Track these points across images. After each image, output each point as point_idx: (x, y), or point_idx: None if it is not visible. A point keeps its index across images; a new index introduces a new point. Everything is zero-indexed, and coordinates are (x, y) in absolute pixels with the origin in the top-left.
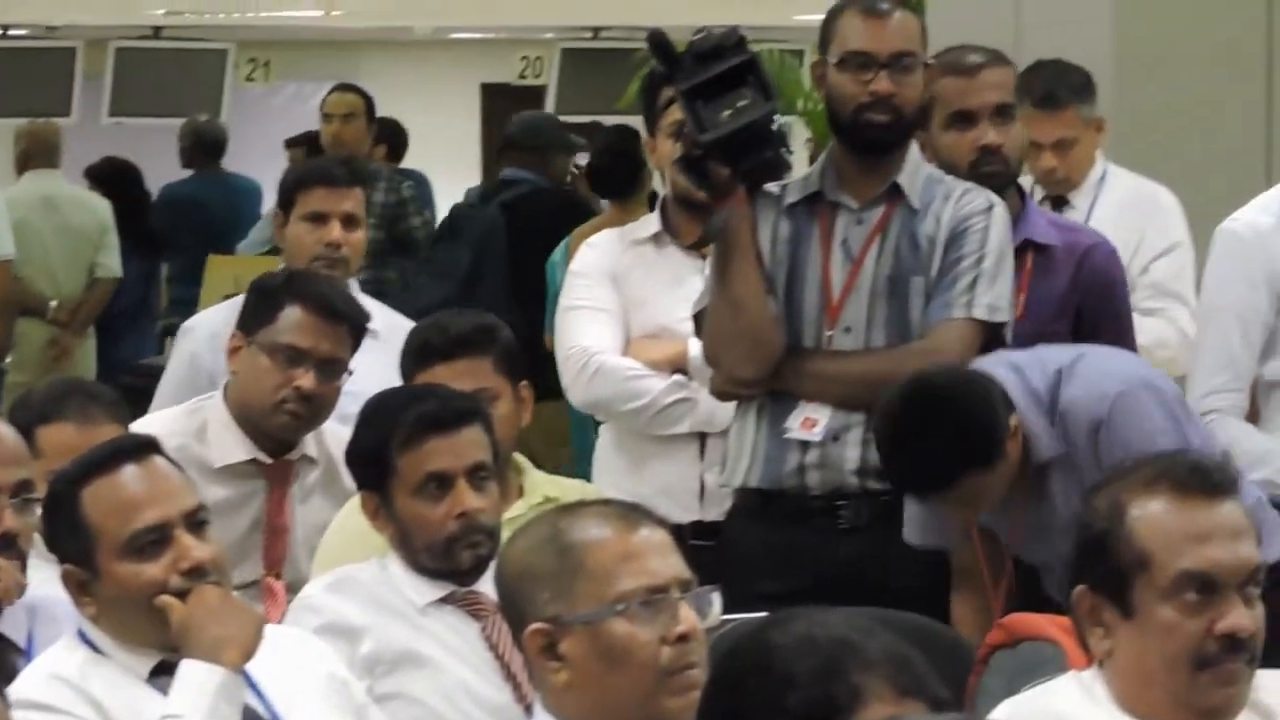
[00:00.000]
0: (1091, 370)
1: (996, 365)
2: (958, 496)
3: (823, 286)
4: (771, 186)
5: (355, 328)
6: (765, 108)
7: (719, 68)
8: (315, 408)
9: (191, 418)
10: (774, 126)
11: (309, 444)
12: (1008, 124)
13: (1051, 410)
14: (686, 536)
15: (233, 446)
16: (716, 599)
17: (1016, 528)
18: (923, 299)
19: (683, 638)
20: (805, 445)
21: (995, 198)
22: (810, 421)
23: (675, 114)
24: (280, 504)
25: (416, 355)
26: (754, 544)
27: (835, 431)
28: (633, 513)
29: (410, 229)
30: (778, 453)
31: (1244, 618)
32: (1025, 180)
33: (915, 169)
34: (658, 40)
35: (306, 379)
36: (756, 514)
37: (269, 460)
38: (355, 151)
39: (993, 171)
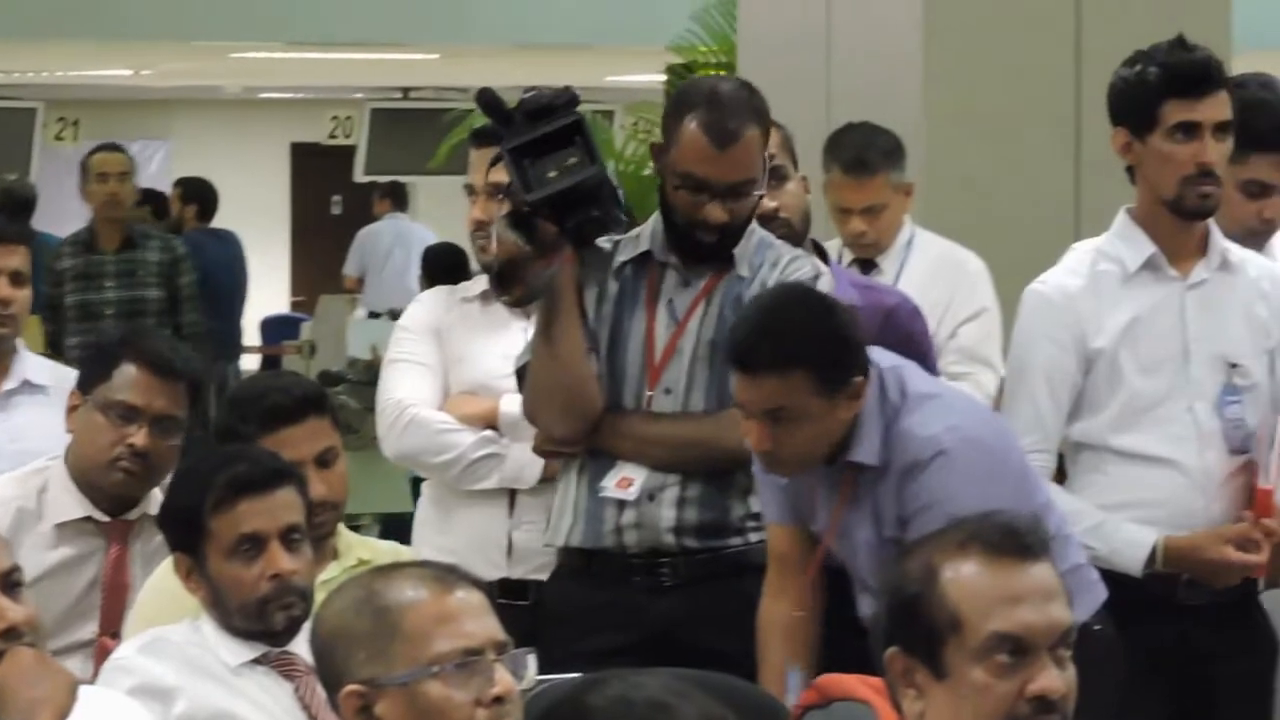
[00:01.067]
0: (937, 413)
1: (878, 353)
2: (780, 394)
3: (646, 347)
4: (604, 242)
5: (192, 384)
6: (591, 169)
7: (547, 127)
8: (150, 465)
9: (33, 479)
10: (603, 185)
11: (151, 502)
12: (781, 185)
13: (887, 427)
14: (494, 594)
15: (70, 505)
16: (532, 661)
17: (833, 522)
18: None
19: (498, 699)
20: (622, 505)
21: (821, 266)
22: (626, 481)
23: (499, 174)
24: (119, 562)
25: (266, 419)
26: (577, 602)
27: (651, 491)
28: (449, 575)
29: (180, 286)
30: (597, 512)
31: (1055, 679)
32: (834, 244)
33: (748, 236)
34: (488, 99)
35: (140, 436)
36: (580, 573)
37: (106, 518)
38: (125, 209)
39: (780, 236)
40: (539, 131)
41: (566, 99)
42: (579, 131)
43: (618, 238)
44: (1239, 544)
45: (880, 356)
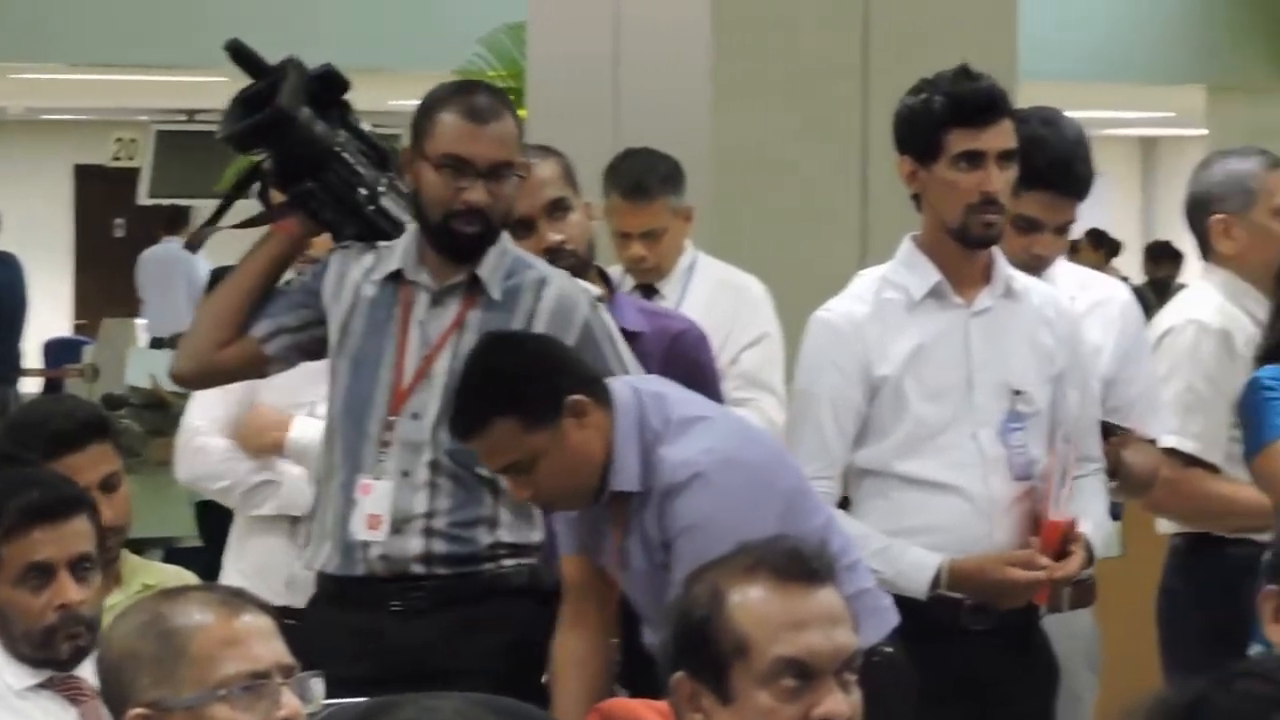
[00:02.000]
0: (697, 437)
1: (631, 383)
2: (498, 450)
3: (395, 368)
4: (364, 251)
5: None
6: (267, 112)
7: (261, 84)
8: None
9: None
10: (326, 156)
11: None
12: (564, 217)
13: (647, 452)
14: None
15: None
16: (319, 684)
17: (613, 552)
18: None
19: None
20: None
21: (591, 289)
22: (375, 520)
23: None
24: None
25: (49, 444)
26: (332, 628)
27: (398, 524)
28: (235, 598)
29: None
30: (349, 540)
31: (840, 703)
32: (616, 269)
33: (499, 258)
34: (236, 47)
35: None
36: (335, 599)
37: None
38: None
39: (566, 266)
40: (255, 86)
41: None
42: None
43: (388, 245)
44: (1023, 567)
45: (644, 383)
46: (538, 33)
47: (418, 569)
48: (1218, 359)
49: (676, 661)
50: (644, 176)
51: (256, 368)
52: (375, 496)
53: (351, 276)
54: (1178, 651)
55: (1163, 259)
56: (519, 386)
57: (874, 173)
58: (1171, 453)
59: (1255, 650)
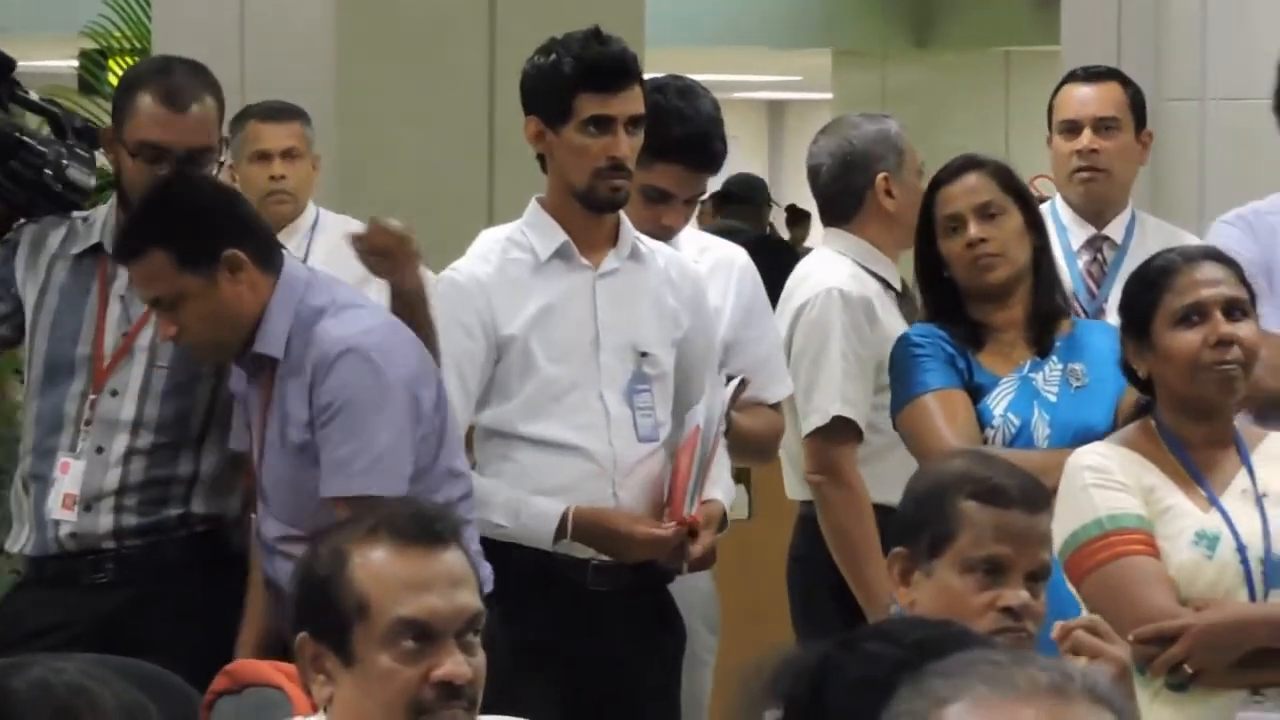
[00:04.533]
0: (358, 319)
1: (310, 267)
2: (151, 280)
3: (95, 344)
4: (57, 224)
5: None
6: None
7: None
8: None
9: None
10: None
11: None
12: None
13: (304, 325)
14: None
15: None
16: None
17: (258, 429)
18: None
19: None
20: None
21: None
22: (69, 499)
23: None
24: None
25: None
26: (33, 608)
27: (89, 501)
28: None
29: None
30: (44, 521)
31: (461, 665)
32: None
33: None
34: None
35: None
36: (34, 580)
37: None
38: None
39: None
40: None
41: None
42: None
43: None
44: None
45: (323, 273)
46: None
47: (108, 544)
48: (858, 326)
49: (299, 623)
50: (275, 104)
51: None
52: (72, 475)
53: (48, 247)
54: (810, 618)
55: (798, 222)
56: (183, 224)
57: (500, 132)
58: (833, 424)
59: (894, 610)
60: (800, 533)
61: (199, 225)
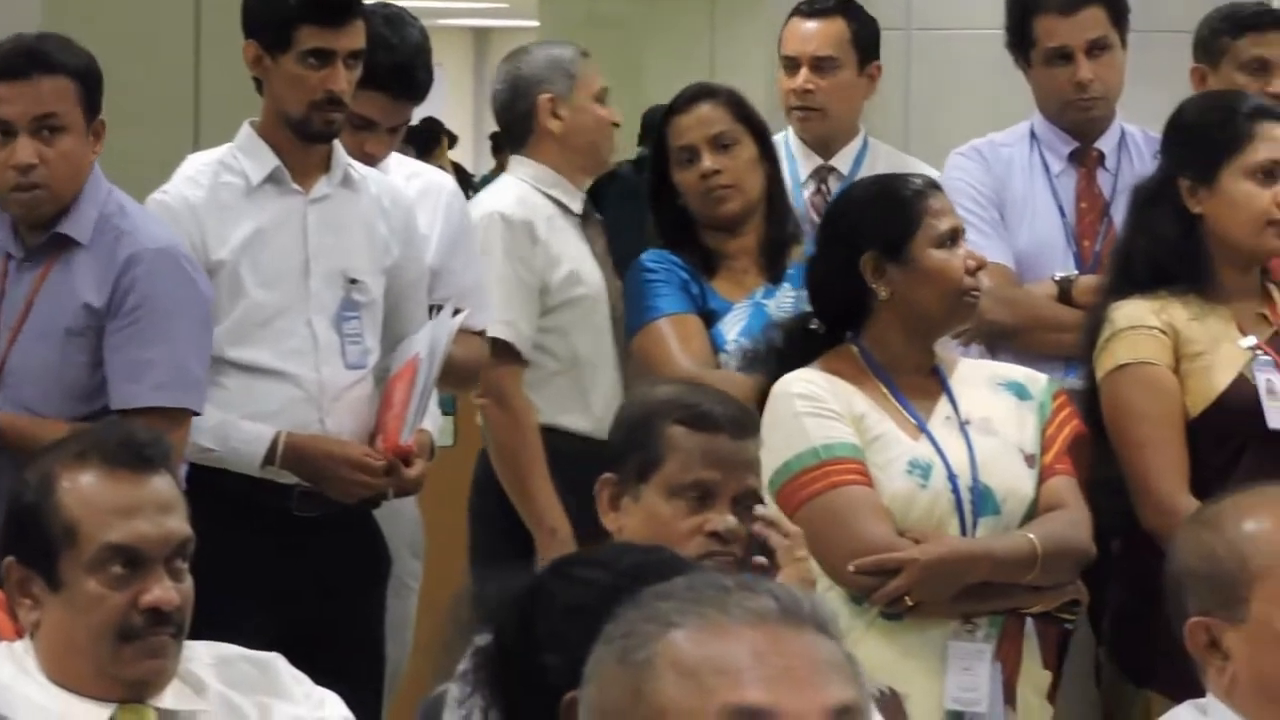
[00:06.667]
0: (163, 225)
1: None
2: (47, 91)
3: None
4: None
5: None
6: None
7: None
8: None
9: None
10: None
11: None
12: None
13: (108, 218)
14: None
15: None
16: None
17: (17, 318)
18: None
19: None
20: None
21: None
22: None
23: None
24: None
25: None
26: None
27: None
28: None
29: None
30: None
31: (169, 591)
32: None
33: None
34: None
35: None
36: None
37: None
38: None
39: None
40: None
41: None
42: None
43: None
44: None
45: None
46: None
47: None
48: (520, 249)
49: (6, 547)
50: None
51: None
52: None
53: None
54: (484, 543)
55: (501, 149)
56: (91, 69)
57: (206, 56)
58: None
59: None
60: (481, 459)
61: (97, 79)
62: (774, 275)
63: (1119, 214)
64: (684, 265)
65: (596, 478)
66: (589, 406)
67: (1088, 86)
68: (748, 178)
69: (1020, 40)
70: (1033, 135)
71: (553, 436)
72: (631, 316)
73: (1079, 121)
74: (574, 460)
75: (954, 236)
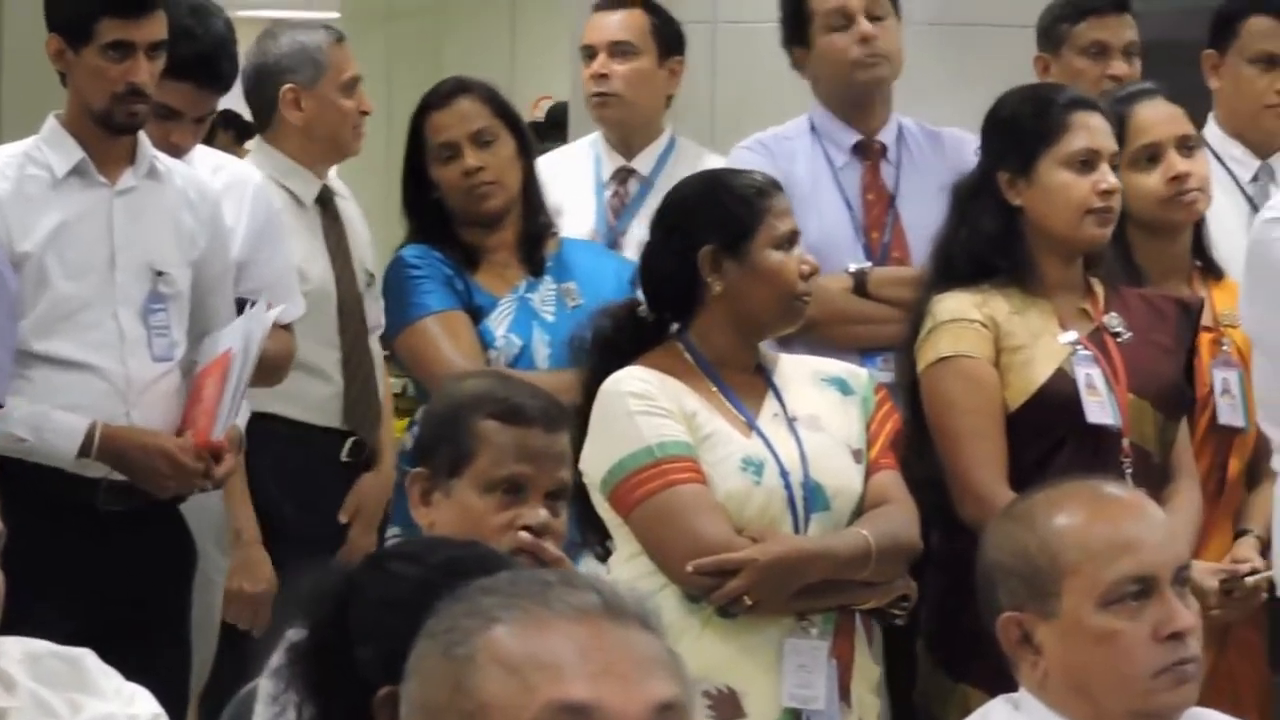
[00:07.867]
0: None
1: None
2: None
3: None
4: None
5: None
6: None
7: None
8: None
9: None
10: None
11: None
12: None
13: None
14: None
15: None
16: None
17: None
18: None
19: None
20: None
21: None
22: None
23: None
24: None
25: None
26: None
27: None
28: None
29: None
30: None
31: None
32: None
33: None
34: None
35: None
36: None
37: None
38: None
39: None
40: None
41: None
42: None
43: None
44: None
45: None
46: None
47: None
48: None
49: None
50: None
51: None
52: None
53: None
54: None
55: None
56: None
57: (9, 49)
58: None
59: (392, 532)
60: None
61: None
62: (534, 268)
63: (904, 206)
64: (446, 260)
65: (307, 462)
66: (303, 398)
67: (871, 41)
68: (509, 174)
69: (797, 22)
70: (812, 128)
71: (266, 422)
72: (395, 314)
73: (867, 83)
74: (285, 444)
75: (792, 239)
